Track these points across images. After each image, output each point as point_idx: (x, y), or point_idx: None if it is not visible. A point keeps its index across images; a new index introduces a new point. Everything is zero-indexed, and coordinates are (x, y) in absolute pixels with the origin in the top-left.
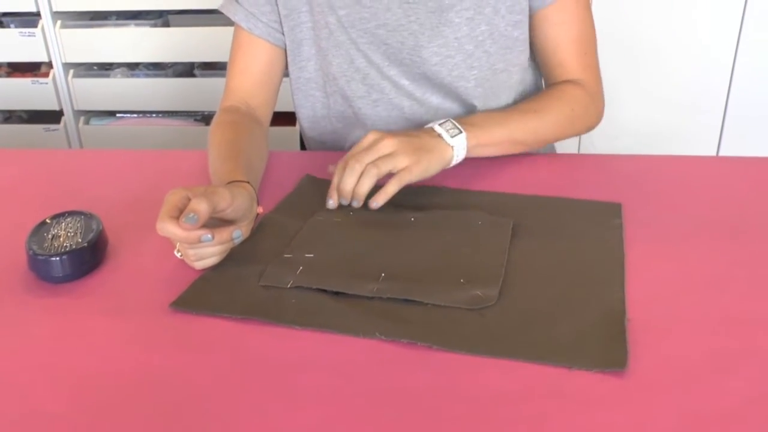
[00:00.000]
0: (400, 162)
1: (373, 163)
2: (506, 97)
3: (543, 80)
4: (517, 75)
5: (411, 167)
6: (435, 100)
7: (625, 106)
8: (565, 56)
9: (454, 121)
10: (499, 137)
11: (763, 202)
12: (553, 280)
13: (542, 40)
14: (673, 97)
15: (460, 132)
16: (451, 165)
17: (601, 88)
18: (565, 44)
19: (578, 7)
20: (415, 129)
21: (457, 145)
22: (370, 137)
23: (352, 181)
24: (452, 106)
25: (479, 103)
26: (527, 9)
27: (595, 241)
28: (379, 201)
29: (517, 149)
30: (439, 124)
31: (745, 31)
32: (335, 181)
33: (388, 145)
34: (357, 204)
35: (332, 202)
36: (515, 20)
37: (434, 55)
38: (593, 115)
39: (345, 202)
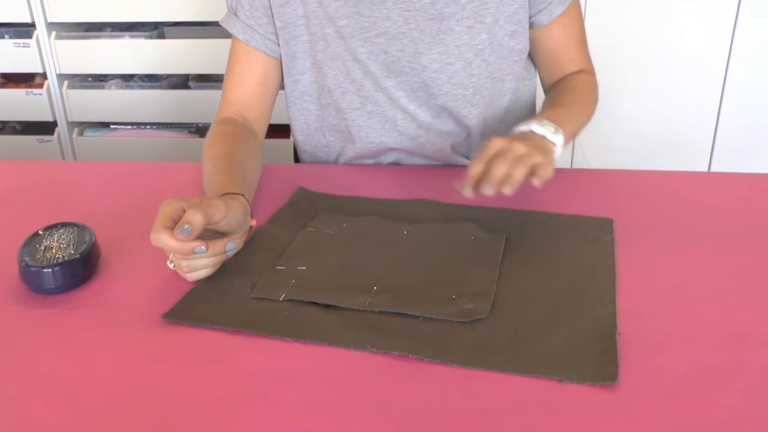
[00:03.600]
0: (536, 159)
1: (517, 158)
2: (499, 107)
3: (545, 74)
4: (509, 84)
5: (546, 164)
6: (428, 115)
7: (617, 121)
8: (575, 53)
9: (546, 120)
10: (570, 131)
11: (754, 218)
12: (545, 294)
13: (554, 43)
14: (665, 112)
15: (557, 130)
16: None
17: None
18: (573, 42)
19: (575, 7)
20: (517, 134)
21: (558, 143)
22: (499, 142)
23: (504, 169)
24: (446, 120)
25: (473, 113)
26: (526, 20)
27: (586, 256)
28: (515, 188)
29: (570, 141)
30: (538, 124)
31: (736, 46)
32: (475, 171)
33: (519, 147)
34: (509, 192)
35: (470, 191)
36: (512, 30)
37: (434, 62)
38: (598, 97)
39: (489, 192)
